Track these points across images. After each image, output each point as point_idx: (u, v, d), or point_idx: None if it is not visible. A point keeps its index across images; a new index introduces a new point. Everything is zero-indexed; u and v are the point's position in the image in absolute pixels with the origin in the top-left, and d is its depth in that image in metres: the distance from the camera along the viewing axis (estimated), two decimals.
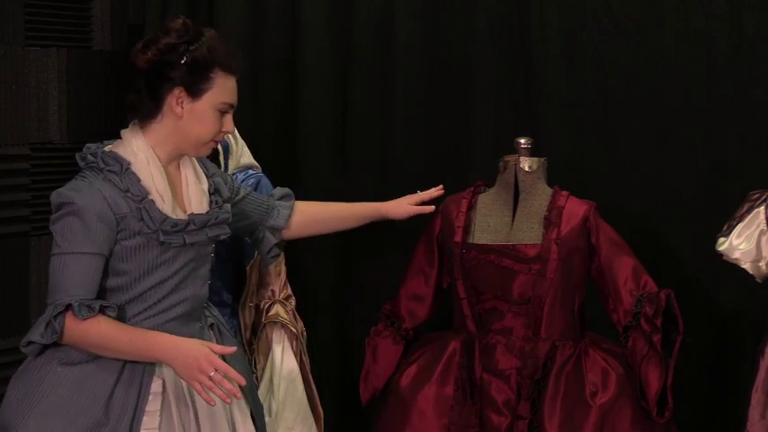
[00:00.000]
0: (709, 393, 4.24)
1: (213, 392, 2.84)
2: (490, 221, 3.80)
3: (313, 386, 3.90)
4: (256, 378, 3.83)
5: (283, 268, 3.93)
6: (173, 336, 2.96)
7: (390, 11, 4.52)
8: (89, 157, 3.04)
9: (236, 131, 3.99)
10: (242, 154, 3.99)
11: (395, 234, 4.48)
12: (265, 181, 3.97)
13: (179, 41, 3.01)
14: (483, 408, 3.69)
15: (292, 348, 3.85)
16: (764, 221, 3.59)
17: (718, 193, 4.17)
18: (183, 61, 3.00)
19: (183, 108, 3.03)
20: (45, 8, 4.58)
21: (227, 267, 3.94)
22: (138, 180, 3.01)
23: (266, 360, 3.83)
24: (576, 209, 3.77)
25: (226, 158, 3.92)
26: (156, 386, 3.00)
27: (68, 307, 2.90)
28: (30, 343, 2.98)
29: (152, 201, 3.00)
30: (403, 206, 3.71)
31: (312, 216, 3.59)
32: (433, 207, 3.72)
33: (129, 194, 2.98)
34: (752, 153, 4.19)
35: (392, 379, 3.85)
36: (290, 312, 3.89)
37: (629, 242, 3.79)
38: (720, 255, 3.68)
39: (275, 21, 4.66)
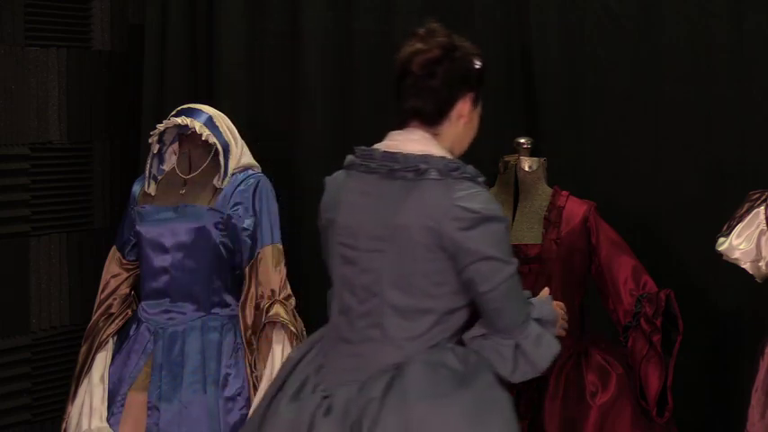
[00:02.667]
0: (710, 393, 4.24)
1: None
2: None
3: None
4: (256, 378, 3.83)
5: (283, 268, 3.93)
6: None
7: (390, 10, 4.52)
8: (462, 168, 2.95)
9: (235, 131, 4.00)
10: (242, 154, 3.99)
11: None
12: (265, 181, 3.97)
13: (470, 49, 3.00)
14: None
15: (292, 348, 3.85)
16: (764, 221, 3.59)
17: (719, 193, 4.17)
18: (478, 68, 2.99)
19: (467, 115, 3.00)
20: (45, 8, 4.60)
21: (227, 268, 3.95)
22: None
23: (266, 360, 3.83)
24: (575, 209, 3.76)
25: (226, 158, 3.92)
26: None
27: None
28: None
29: None
30: None
31: None
32: None
33: None
34: (752, 153, 4.18)
35: None
36: (290, 312, 3.89)
37: (629, 242, 3.78)
38: (720, 255, 3.68)
39: (275, 21, 4.67)
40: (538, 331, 2.94)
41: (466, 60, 2.98)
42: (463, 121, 3.00)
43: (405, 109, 2.98)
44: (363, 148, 3.04)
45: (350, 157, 3.06)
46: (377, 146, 3.02)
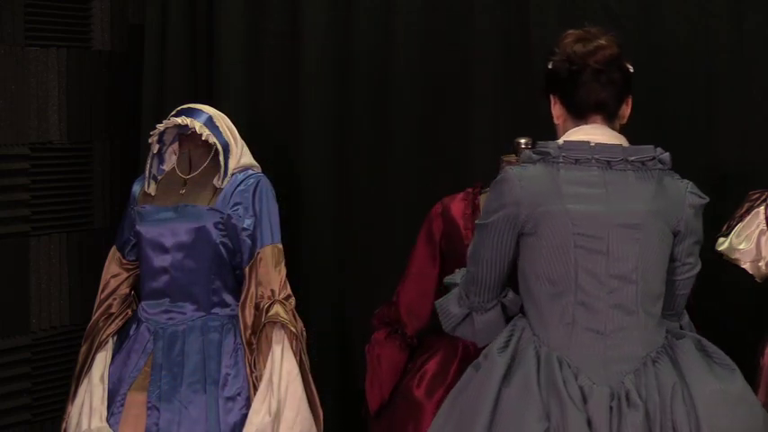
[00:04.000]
0: None
1: None
2: None
3: (312, 386, 3.89)
4: (256, 378, 3.83)
5: (283, 268, 3.93)
6: None
7: (390, 10, 4.52)
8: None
9: (235, 131, 4.00)
10: (242, 154, 3.99)
11: (396, 234, 4.48)
12: (265, 181, 3.97)
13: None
14: None
15: (292, 348, 3.85)
16: (764, 221, 3.59)
17: (719, 193, 4.17)
18: (632, 72, 3.16)
19: (626, 118, 3.16)
20: (45, 8, 4.60)
21: (227, 268, 3.95)
22: None
23: (266, 360, 3.83)
24: None
25: (226, 158, 3.92)
26: None
27: None
28: None
29: None
30: None
31: None
32: None
33: None
34: (752, 153, 4.18)
35: (402, 384, 3.80)
36: (290, 312, 3.88)
37: None
38: (720, 255, 3.68)
39: (275, 20, 4.67)
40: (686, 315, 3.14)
41: (627, 63, 3.14)
42: (621, 123, 3.14)
43: (586, 102, 3.08)
44: (556, 142, 3.08)
45: (548, 151, 3.05)
46: (569, 139, 3.06)
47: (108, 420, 3.87)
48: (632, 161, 3.03)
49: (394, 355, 3.85)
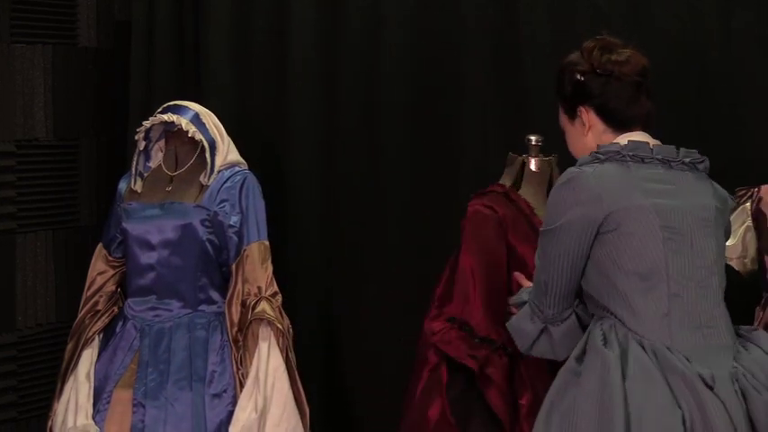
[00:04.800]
0: None
1: None
2: None
3: (299, 383, 3.89)
4: (242, 375, 3.82)
5: (269, 265, 3.92)
6: None
7: (381, 8, 4.51)
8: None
9: (222, 128, 3.99)
10: (228, 151, 3.98)
11: (386, 232, 4.47)
12: (251, 178, 3.96)
13: None
14: None
15: (278, 345, 3.84)
16: (750, 218, 3.60)
17: None
18: None
19: None
20: (31, 5, 4.59)
21: (214, 265, 3.93)
22: None
23: (252, 357, 3.82)
24: None
25: (212, 155, 3.91)
26: None
27: None
28: None
29: None
30: None
31: None
32: None
33: None
34: (741, 151, 4.18)
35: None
36: (276, 309, 3.88)
37: None
38: None
39: (264, 17, 4.65)
40: None
41: None
42: None
43: (633, 116, 3.13)
44: (618, 143, 3.08)
45: (616, 150, 3.05)
46: (633, 139, 3.08)
47: (94, 417, 3.86)
48: (687, 162, 3.08)
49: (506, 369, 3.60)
